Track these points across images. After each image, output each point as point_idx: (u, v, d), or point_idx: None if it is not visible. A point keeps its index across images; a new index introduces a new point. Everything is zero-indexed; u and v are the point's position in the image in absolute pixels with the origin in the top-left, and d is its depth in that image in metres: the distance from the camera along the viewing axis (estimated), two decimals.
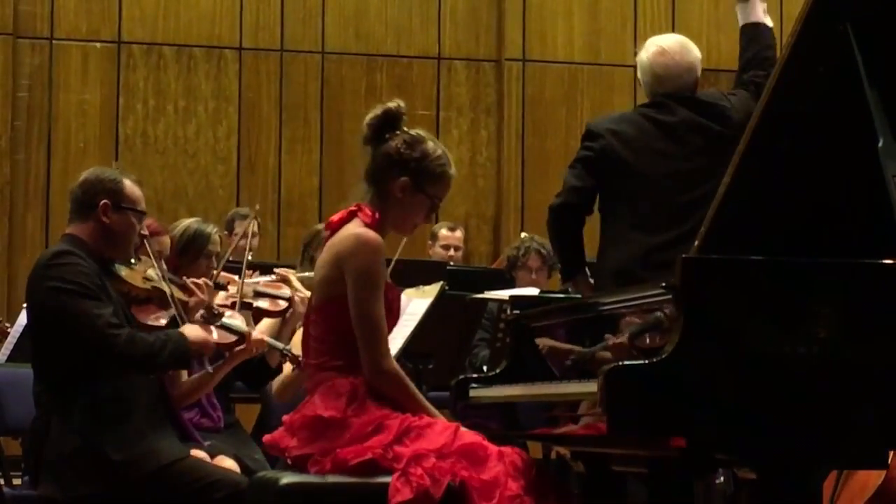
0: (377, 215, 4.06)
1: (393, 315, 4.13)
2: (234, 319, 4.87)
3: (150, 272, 4.68)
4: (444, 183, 4.14)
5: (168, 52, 9.98)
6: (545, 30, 10.42)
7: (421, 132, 4.17)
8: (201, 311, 4.71)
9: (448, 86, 10.34)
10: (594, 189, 5.13)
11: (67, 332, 4.32)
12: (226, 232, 8.25)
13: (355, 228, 4.03)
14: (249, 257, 5.79)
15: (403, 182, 4.08)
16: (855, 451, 3.29)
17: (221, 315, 4.74)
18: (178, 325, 4.63)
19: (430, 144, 4.12)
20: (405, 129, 4.12)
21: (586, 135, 5.18)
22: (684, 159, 5.05)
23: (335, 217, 4.13)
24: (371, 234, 4.00)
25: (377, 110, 4.13)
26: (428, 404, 4.01)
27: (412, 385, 4.03)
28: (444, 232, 8.87)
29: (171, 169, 9.93)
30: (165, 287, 4.63)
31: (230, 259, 5.61)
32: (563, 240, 5.22)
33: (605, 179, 5.11)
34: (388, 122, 4.12)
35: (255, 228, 8.61)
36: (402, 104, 4.14)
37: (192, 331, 4.50)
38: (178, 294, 4.72)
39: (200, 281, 4.85)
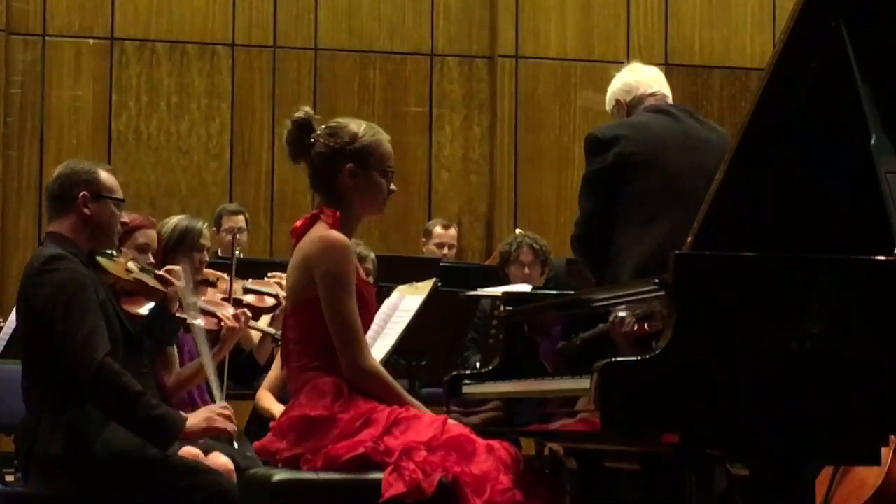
0: (337, 214, 4.06)
1: (369, 312, 4.14)
2: (221, 308, 4.97)
3: (131, 264, 4.71)
4: (384, 149, 4.13)
5: (161, 49, 9.96)
6: (538, 26, 10.40)
7: (338, 119, 4.18)
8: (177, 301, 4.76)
9: (441, 82, 10.33)
10: (608, 206, 4.78)
11: (50, 338, 4.30)
12: (214, 228, 8.23)
13: (320, 231, 4.04)
14: (238, 253, 5.79)
15: (349, 168, 4.08)
16: (847, 447, 3.30)
17: (199, 310, 4.81)
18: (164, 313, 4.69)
19: (353, 124, 4.14)
20: (319, 127, 4.13)
21: (593, 146, 4.74)
22: (703, 152, 4.77)
23: (298, 223, 4.14)
24: (336, 234, 4.00)
25: (287, 126, 4.15)
26: (412, 399, 4.02)
27: (393, 381, 4.03)
28: (438, 230, 8.87)
29: (164, 165, 9.91)
30: (145, 278, 4.68)
31: (220, 256, 5.62)
32: (594, 264, 4.93)
33: (619, 187, 4.74)
34: (303, 130, 4.13)
35: (244, 224, 8.61)
36: (308, 109, 4.16)
37: (194, 419, 4.37)
38: (156, 285, 4.73)
39: (176, 268, 4.85)
